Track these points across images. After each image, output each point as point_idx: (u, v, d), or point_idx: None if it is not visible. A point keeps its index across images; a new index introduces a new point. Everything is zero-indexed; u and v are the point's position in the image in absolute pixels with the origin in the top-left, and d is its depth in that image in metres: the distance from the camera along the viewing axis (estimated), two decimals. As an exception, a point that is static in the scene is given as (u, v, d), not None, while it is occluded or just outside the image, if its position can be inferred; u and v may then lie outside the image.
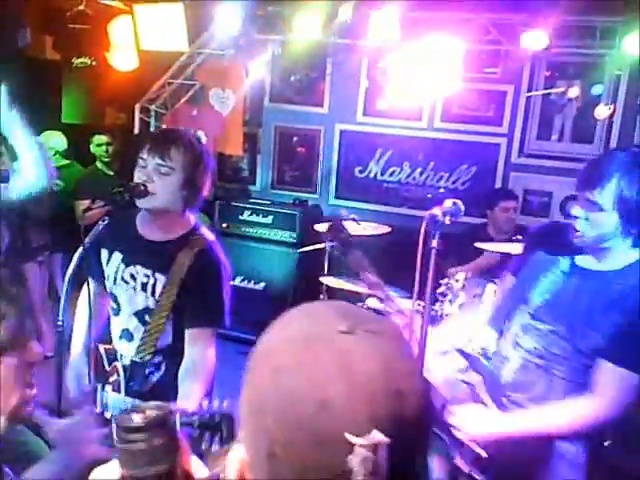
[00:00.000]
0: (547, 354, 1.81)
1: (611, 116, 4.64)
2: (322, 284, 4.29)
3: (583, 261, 1.84)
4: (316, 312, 0.73)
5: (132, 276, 1.99)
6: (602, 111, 4.65)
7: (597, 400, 1.72)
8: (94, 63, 4.88)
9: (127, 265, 2.00)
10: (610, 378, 1.70)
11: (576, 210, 1.77)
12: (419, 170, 5.16)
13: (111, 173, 4.82)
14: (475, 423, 1.79)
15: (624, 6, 3.89)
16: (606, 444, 2.68)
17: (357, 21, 4.39)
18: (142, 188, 1.88)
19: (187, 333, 1.93)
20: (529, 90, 4.83)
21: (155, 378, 1.99)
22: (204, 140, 5.05)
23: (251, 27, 4.80)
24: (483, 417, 1.82)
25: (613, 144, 4.68)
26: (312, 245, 4.55)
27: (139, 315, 1.98)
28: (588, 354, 1.73)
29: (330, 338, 0.66)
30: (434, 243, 1.86)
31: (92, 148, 4.81)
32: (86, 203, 4.42)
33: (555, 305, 1.82)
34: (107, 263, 2.05)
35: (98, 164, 4.83)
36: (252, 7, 4.65)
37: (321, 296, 4.37)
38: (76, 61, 4.89)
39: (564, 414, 1.77)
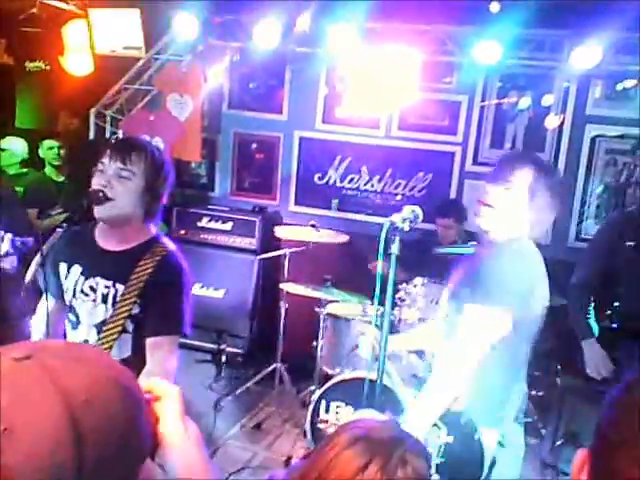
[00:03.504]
0: None
1: (561, 125, 4.82)
2: (282, 290, 4.31)
3: None
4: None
5: (92, 288, 1.96)
6: (552, 121, 4.82)
7: None
8: (48, 67, 4.78)
9: (87, 277, 1.97)
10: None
11: None
12: (377, 177, 5.23)
13: (60, 179, 4.73)
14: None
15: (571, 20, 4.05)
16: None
17: (315, 30, 4.44)
18: (101, 195, 1.86)
19: (148, 342, 1.89)
20: (482, 100, 4.96)
21: None
22: (162, 147, 5.04)
23: (209, 34, 4.80)
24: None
25: (563, 152, 4.86)
26: (272, 252, 4.56)
27: (98, 327, 1.95)
28: None
29: None
30: (393, 249, 1.90)
31: (41, 152, 4.70)
32: (35, 212, 4.36)
33: None
34: (66, 276, 2.01)
35: (47, 170, 4.72)
36: (210, 14, 4.65)
37: (281, 302, 4.39)
38: (29, 65, 4.78)
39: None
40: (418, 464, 1.13)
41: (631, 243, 2.70)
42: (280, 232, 4.45)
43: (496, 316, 1.95)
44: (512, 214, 2.01)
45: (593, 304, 2.86)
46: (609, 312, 2.84)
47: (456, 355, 1.99)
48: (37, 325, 2.06)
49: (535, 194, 2.00)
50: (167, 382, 0.81)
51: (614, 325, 2.78)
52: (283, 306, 4.38)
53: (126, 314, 1.88)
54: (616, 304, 2.84)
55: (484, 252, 2.12)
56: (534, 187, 2.00)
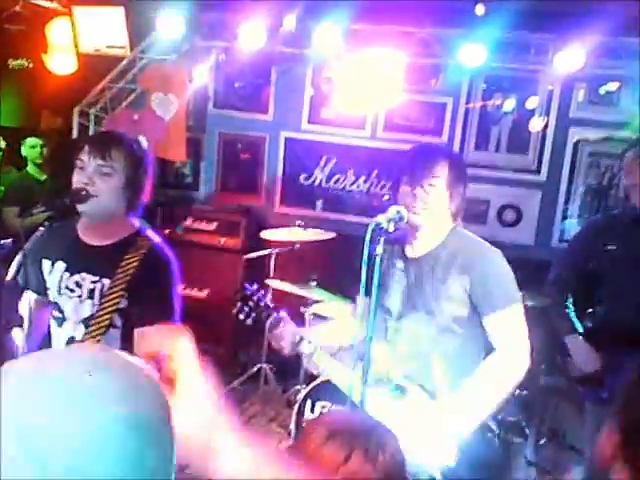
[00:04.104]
0: None
1: (544, 128, 4.86)
2: (268, 287, 4.29)
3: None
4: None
5: (77, 284, 1.94)
6: (536, 123, 4.86)
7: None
8: (31, 65, 4.73)
9: (72, 273, 1.95)
10: None
11: None
12: (363, 178, 5.25)
13: (43, 178, 4.70)
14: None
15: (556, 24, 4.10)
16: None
17: (302, 31, 4.44)
18: (83, 193, 1.85)
19: (136, 333, 1.88)
20: (467, 102, 4.99)
21: None
22: (145, 145, 5.01)
23: (194, 33, 4.78)
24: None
25: (547, 154, 4.90)
26: (257, 251, 4.55)
27: (85, 323, 1.94)
28: None
29: None
30: (379, 250, 1.90)
31: (24, 151, 4.67)
32: (15, 210, 4.33)
33: None
34: (49, 273, 1.99)
35: (29, 168, 4.69)
36: (195, 13, 4.63)
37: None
38: (12, 63, 4.73)
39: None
40: (394, 446, 1.20)
41: (612, 247, 2.64)
42: (266, 235, 4.44)
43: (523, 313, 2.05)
44: (441, 207, 2.10)
45: (572, 305, 2.84)
46: (589, 312, 2.83)
47: (510, 363, 2.02)
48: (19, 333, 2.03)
49: (453, 185, 2.09)
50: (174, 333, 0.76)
51: (593, 326, 2.76)
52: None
53: (113, 308, 1.87)
54: (592, 309, 2.80)
55: (434, 254, 2.12)
56: (451, 179, 2.08)
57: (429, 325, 2.08)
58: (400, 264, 2.19)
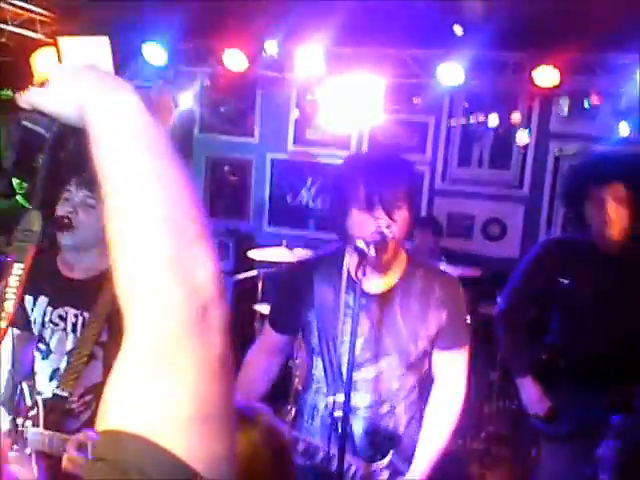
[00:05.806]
0: None
1: (525, 143, 4.94)
2: (256, 312, 4.32)
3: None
4: None
5: (61, 317, 1.96)
6: (522, 137, 4.94)
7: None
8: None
9: (55, 307, 1.96)
10: None
11: None
12: (349, 197, 5.29)
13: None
14: None
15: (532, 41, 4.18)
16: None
17: (284, 55, 4.51)
18: (66, 221, 1.85)
19: (115, 366, 1.88)
20: (449, 120, 5.07)
21: (86, 416, 1.94)
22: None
23: (179, 59, 4.85)
24: None
25: (528, 169, 4.98)
26: (246, 273, 4.58)
27: (69, 355, 1.96)
28: None
29: None
30: (359, 274, 1.81)
31: (13, 180, 4.71)
32: (3, 238, 4.34)
33: None
34: (32, 309, 2.00)
35: (18, 197, 4.73)
36: (179, 39, 4.70)
37: (255, 324, 4.40)
38: (-2, 93, 4.77)
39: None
40: (267, 419, 1.14)
41: (564, 280, 2.39)
42: (253, 254, 4.48)
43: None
44: (403, 232, 1.80)
45: (526, 338, 2.57)
46: (541, 345, 2.57)
47: (456, 398, 1.99)
48: (3, 358, 2.04)
49: (414, 205, 1.82)
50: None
51: (545, 360, 2.55)
52: (258, 327, 4.39)
53: (93, 341, 1.87)
54: (544, 343, 2.57)
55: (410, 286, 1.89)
56: (412, 197, 1.81)
57: (399, 368, 1.89)
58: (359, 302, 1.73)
